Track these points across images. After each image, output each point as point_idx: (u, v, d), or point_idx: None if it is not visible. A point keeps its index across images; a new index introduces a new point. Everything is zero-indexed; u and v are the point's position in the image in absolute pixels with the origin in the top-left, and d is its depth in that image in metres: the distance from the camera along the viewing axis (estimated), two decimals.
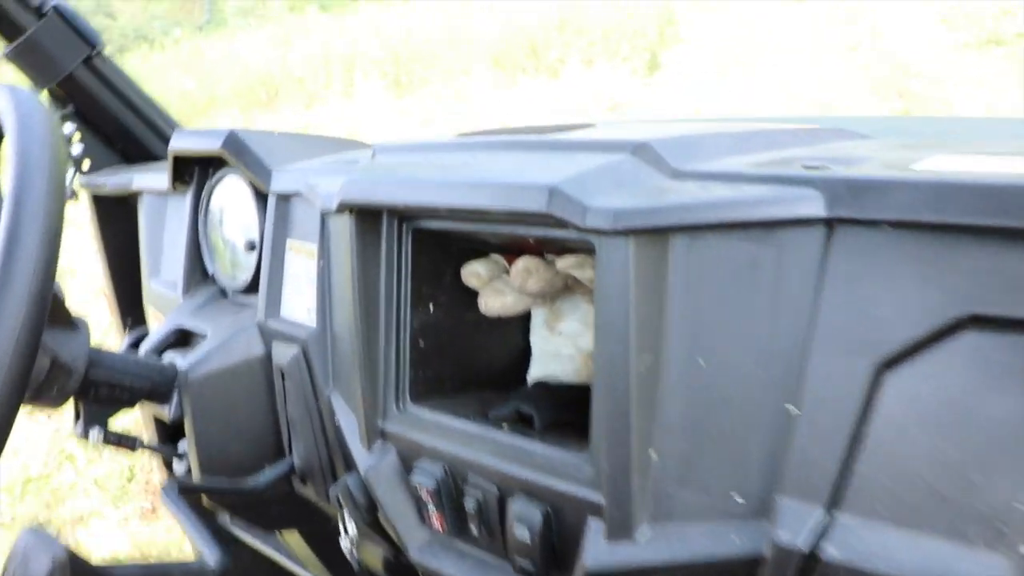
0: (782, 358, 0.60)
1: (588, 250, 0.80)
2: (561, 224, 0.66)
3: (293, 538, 1.31)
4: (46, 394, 0.91)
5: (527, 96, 5.78)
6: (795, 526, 0.59)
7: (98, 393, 0.97)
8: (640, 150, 0.68)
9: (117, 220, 1.46)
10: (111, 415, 1.04)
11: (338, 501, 0.94)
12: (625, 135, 0.71)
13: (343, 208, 0.82)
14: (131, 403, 1.03)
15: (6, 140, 0.79)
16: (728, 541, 0.64)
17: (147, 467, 3.11)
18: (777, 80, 4.94)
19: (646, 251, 0.62)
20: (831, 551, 0.58)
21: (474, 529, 0.81)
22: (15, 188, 0.74)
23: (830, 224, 0.57)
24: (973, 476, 0.53)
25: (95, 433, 1.02)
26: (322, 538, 1.26)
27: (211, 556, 0.77)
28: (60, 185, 0.77)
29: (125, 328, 1.52)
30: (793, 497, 0.60)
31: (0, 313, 0.68)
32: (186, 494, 0.92)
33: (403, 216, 0.83)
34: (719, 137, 0.71)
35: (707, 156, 0.68)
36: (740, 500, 0.63)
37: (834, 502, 0.59)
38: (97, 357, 0.95)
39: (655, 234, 0.61)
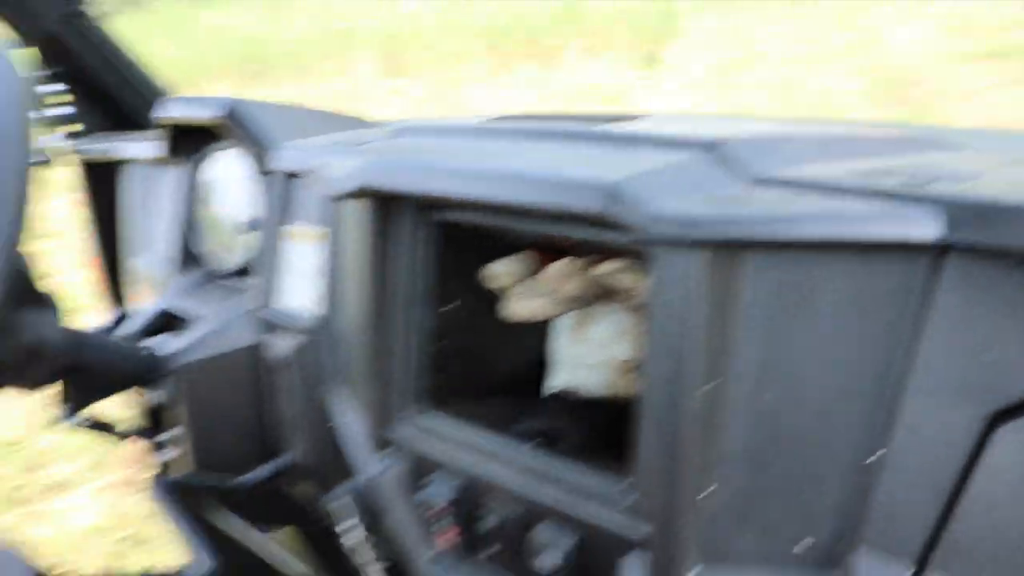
0: (871, 396, 0.53)
1: (633, 255, 0.72)
2: (616, 229, 0.58)
3: (290, 536, 1.24)
4: (18, 378, 0.84)
5: (523, 83, 5.69)
6: None
7: (80, 377, 0.91)
8: (713, 149, 0.60)
9: (108, 189, 1.37)
10: (93, 401, 0.96)
11: (339, 509, 0.87)
12: (691, 131, 0.63)
13: (361, 193, 0.74)
14: (112, 390, 0.96)
15: None
16: None
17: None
18: (775, 80, 4.89)
19: (716, 266, 0.55)
20: None
21: (493, 549, 0.74)
22: None
23: (943, 250, 0.50)
24: None
25: (77, 418, 0.94)
26: (319, 535, 1.19)
27: (202, 557, 0.70)
28: (23, 150, 0.69)
29: (116, 302, 1.43)
30: (873, 551, 0.53)
31: None
32: (180, 490, 0.85)
33: (428, 205, 0.75)
34: (803, 140, 0.63)
35: (791, 161, 0.60)
36: (808, 550, 0.56)
37: (922, 562, 0.52)
38: (75, 340, 0.87)
39: (730, 248, 0.54)
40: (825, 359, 0.54)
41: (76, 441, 2.96)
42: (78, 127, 1.36)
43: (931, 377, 0.50)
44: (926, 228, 0.49)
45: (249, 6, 8.17)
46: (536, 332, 0.90)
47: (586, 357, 0.85)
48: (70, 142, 1.35)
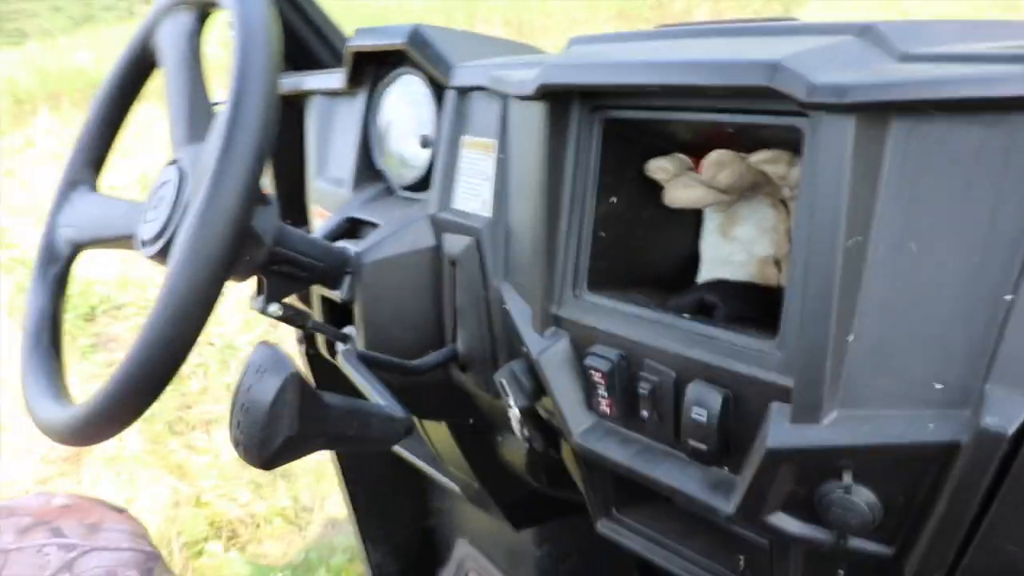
0: (1003, 246, 0.60)
1: (785, 145, 0.80)
2: (776, 103, 0.66)
3: (435, 432, 1.37)
4: (238, 265, 0.97)
5: None
6: (1003, 413, 0.59)
7: (280, 268, 1.02)
8: (865, 32, 0.67)
9: (285, 121, 1.52)
10: (288, 294, 1.09)
11: (502, 387, 0.98)
12: (844, 22, 0.71)
13: (542, 92, 0.84)
14: (307, 283, 1.08)
15: (231, 12, 0.84)
16: (923, 427, 0.64)
17: None
18: None
19: (866, 132, 0.62)
20: None
21: (645, 413, 0.83)
22: (240, 60, 0.79)
23: None
24: None
25: (274, 307, 1.07)
26: (467, 432, 1.31)
27: (395, 406, 0.82)
28: (278, 59, 0.82)
29: (300, 221, 1.59)
30: (1003, 385, 0.60)
31: (222, 181, 0.73)
32: (363, 362, 0.97)
33: (596, 104, 0.85)
34: (948, 24, 0.70)
35: (937, 40, 0.66)
36: (941, 388, 0.63)
37: None
38: (282, 233, 1.00)
39: (880, 111, 0.61)
40: (961, 216, 0.61)
41: (226, 379, 3.24)
42: None
43: None
44: None
45: None
46: (687, 231, 0.98)
47: (732, 255, 0.93)
48: None
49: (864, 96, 0.60)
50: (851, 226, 0.64)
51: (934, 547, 0.67)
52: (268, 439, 0.64)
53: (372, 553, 1.93)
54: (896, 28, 0.67)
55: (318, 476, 2.80)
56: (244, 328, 3.63)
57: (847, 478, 0.69)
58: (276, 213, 0.97)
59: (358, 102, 1.27)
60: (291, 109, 1.51)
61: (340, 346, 1.19)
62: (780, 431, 0.70)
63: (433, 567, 2.02)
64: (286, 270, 1.04)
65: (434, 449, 1.43)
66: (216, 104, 1.28)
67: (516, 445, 1.23)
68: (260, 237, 0.95)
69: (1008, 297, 0.59)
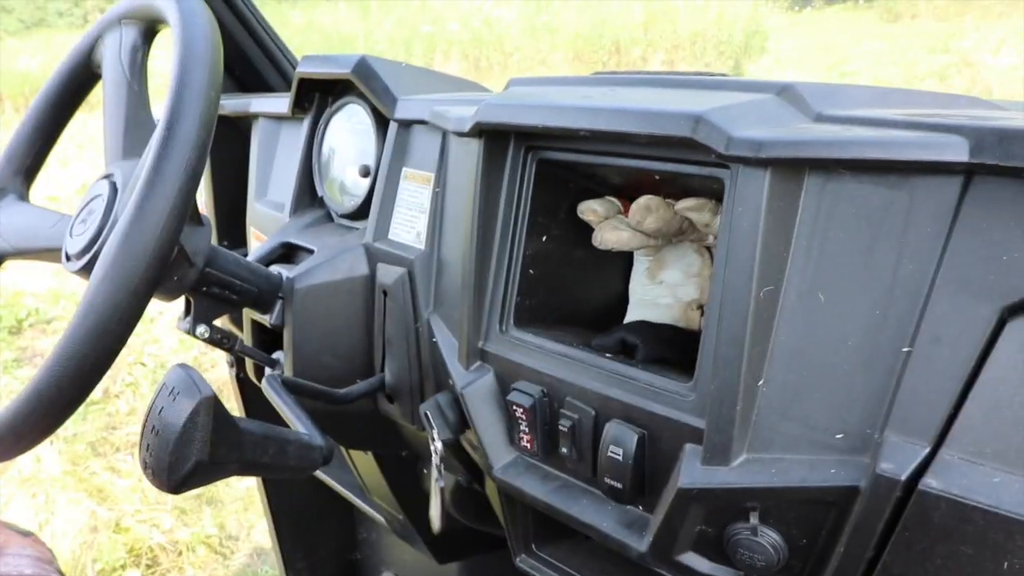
0: (902, 299, 0.63)
1: (710, 194, 0.83)
2: (698, 154, 0.69)
3: (362, 461, 1.36)
4: (166, 284, 0.96)
5: None
6: (898, 459, 0.61)
7: (210, 290, 1.01)
8: (784, 92, 0.71)
9: (228, 142, 1.52)
10: (217, 316, 1.08)
11: (426, 418, 0.98)
12: (766, 81, 0.74)
13: (476, 129, 0.86)
14: (238, 305, 1.07)
15: (173, 30, 0.84)
16: (825, 472, 0.66)
17: None
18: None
19: (781, 184, 0.65)
20: (931, 483, 0.60)
21: (565, 450, 0.85)
22: (179, 77, 0.79)
23: (969, 172, 0.59)
24: None
25: (201, 328, 1.06)
26: (393, 462, 1.31)
27: (314, 433, 0.81)
28: (218, 78, 0.82)
29: (237, 241, 1.58)
30: (898, 433, 0.62)
31: (152, 196, 0.73)
32: (287, 389, 0.96)
33: (530, 144, 0.87)
34: (862, 89, 0.73)
35: (850, 104, 0.70)
36: (842, 435, 0.66)
37: (940, 440, 0.61)
38: (215, 255, 1.00)
39: (793, 167, 0.64)
40: (866, 268, 0.64)
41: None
42: None
43: (954, 280, 0.60)
44: (955, 152, 0.58)
45: (336, 6, 8.49)
46: (617, 272, 1.00)
47: (658, 297, 0.96)
48: None
49: (778, 152, 0.63)
50: (764, 275, 0.66)
51: None
52: (177, 463, 0.63)
53: None
54: (813, 89, 0.70)
55: (246, 503, 2.75)
56: (180, 348, 3.56)
57: (754, 519, 0.71)
58: (210, 234, 0.96)
59: (303, 128, 1.28)
60: (236, 130, 1.52)
61: (267, 371, 1.18)
62: (692, 471, 0.72)
63: None
64: (216, 292, 1.03)
65: (360, 479, 1.42)
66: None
67: (445, 476, 1.23)
68: (190, 257, 0.94)
69: (906, 349, 0.62)
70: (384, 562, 1.90)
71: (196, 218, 0.94)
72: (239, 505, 2.75)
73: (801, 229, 0.66)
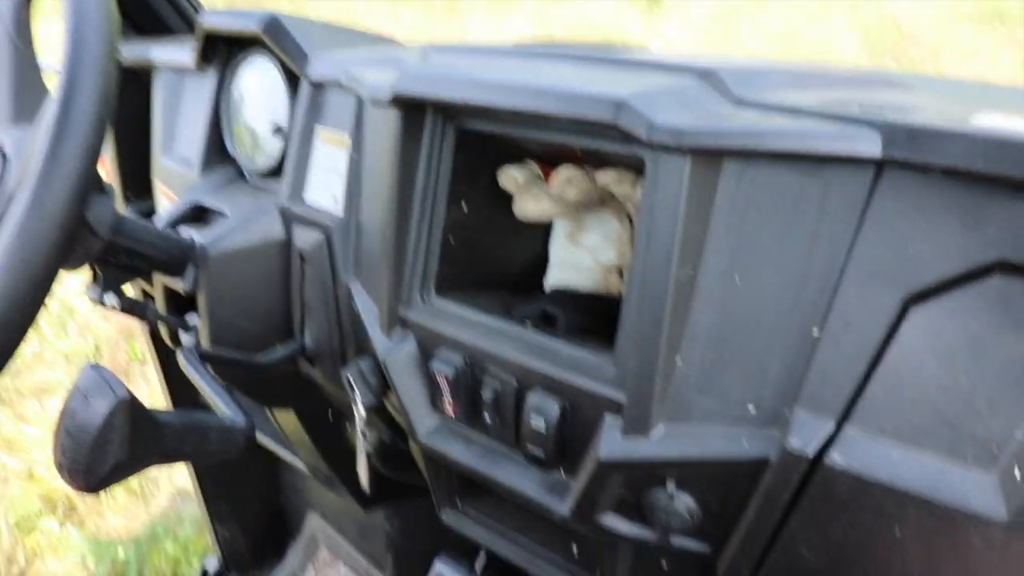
0: (813, 284, 0.65)
1: (630, 166, 0.83)
2: (621, 137, 0.69)
3: (283, 416, 1.36)
4: (70, 257, 0.92)
5: (525, 17, 5.69)
6: (805, 435, 0.65)
7: (117, 259, 0.98)
8: (706, 76, 0.71)
9: (128, 91, 1.44)
10: (125, 282, 1.05)
11: (348, 382, 0.98)
12: (688, 61, 0.74)
13: (395, 101, 0.83)
14: (147, 272, 1.04)
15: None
16: (739, 444, 0.69)
17: (113, 345, 3.12)
18: (775, 30, 4.94)
19: (700, 171, 0.66)
20: (835, 458, 0.63)
21: (488, 418, 0.86)
22: (72, 45, 0.74)
23: (880, 165, 0.61)
24: (979, 405, 0.59)
25: (110, 297, 1.03)
26: (316, 419, 1.31)
27: (236, 413, 0.80)
28: (114, 44, 0.77)
29: (127, 201, 1.51)
30: (806, 410, 0.66)
31: (54, 171, 0.69)
32: (204, 361, 0.94)
33: (448, 115, 0.85)
34: (781, 72, 0.74)
35: (769, 88, 0.71)
36: (754, 410, 0.69)
37: (845, 417, 0.64)
38: (120, 223, 0.96)
39: (712, 156, 0.65)
40: (780, 254, 0.66)
41: (63, 346, 3.07)
42: None
43: (863, 268, 0.62)
44: (868, 146, 0.60)
45: None
46: (535, 237, 1.01)
47: (580, 260, 0.96)
48: None
49: (699, 141, 0.64)
50: (683, 258, 0.68)
51: (744, 548, 0.73)
52: (95, 465, 0.62)
53: (219, 530, 1.90)
54: (734, 74, 0.71)
55: None
56: (82, 289, 3.43)
57: (670, 486, 0.74)
58: (114, 202, 0.92)
59: (208, 80, 1.22)
60: (136, 80, 1.44)
61: (184, 342, 1.16)
62: (612, 443, 0.75)
63: (284, 542, 2.01)
64: (124, 260, 0.99)
65: (283, 434, 1.42)
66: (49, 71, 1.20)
67: (369, 435, 1.24)
68: (95, 229, 0.90)
69: (815, 332, 0.65)
70: (309, 505, 1.91)
71: (99, 186, 0.90)
72: None
73: (719, 214, 0.67)
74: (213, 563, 1.94)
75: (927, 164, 0.58)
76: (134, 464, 0.65)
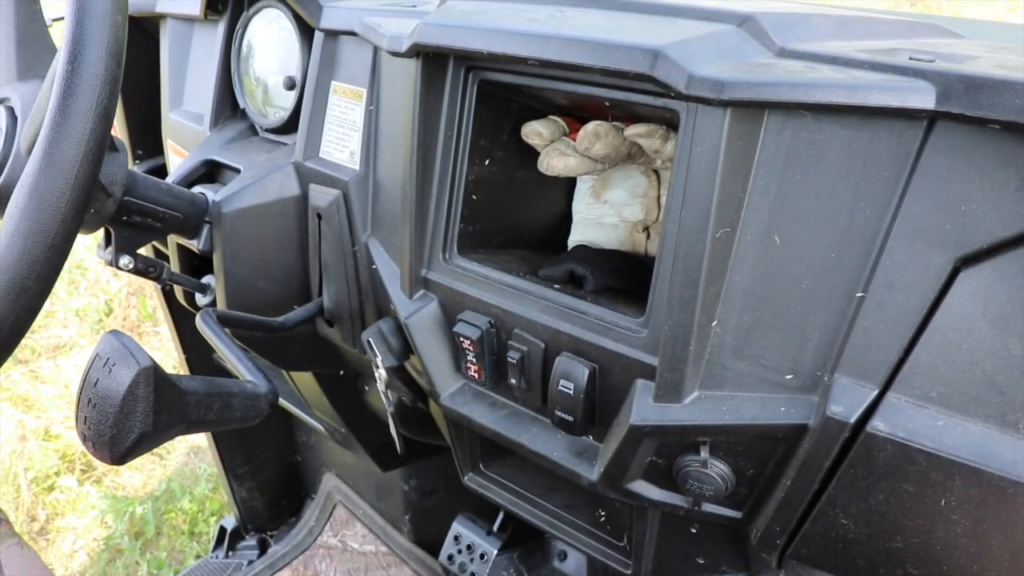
0: (858, 244, 0.62)
1: (661, 119, 0.80)
2: (656, 88, 0.65)
3: (301, 377, 1.34)
4: (86, 215, 0.89)
5: None
6: (847, 401, 0.63)
7: (131, 219, 0.95)
8: (746, 23, 0.67)
9: (135, 44, 1.40)
10: (141, 245, 1.02)
11: (369, 345, 0.96)
12: (726, 8, 0.70)
13: (414, 51, 0.80)
14: (162, 233, 1.01)
15: None
16: (776, 410, 0.67)
17: (124, 303, 3.11)
18: None
19: (740, 125, 0.62)
20: (878, 425, 0.61)
21: (514, 381, 0.84)
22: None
23: (932, 119, 0.58)
24: None
25: (125, 259, 1.00)
26: (334, 381, 1.30)
27: (258, 377, 0.78)
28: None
29: (136, 159, 1.48)
30: (848, 375, 0.63)
31: (65, 132, 0.66)
32: (222, 324, 0.92)
33: (471, 65, 0.82)
34: (823, 19, 0.70)
35: (812, 37, 0.67)
36: (793, 375, 0.66)
37: (889, 383, 0.62)
38: (133, 182, 0.93)
39: (753, 108, 0.62)
40: (822, 212, 0.63)
41: (76, 303, 3.06)
42: None
43: (911, 227, 0.59)
44: (921, 98, 0.57)
45: None
46: (560, 192, 0.98)
47: (603, 217, 0.93)
48: None
49: (739, 94, 0.60)
50: (721, 217, 0.65)
51: (778, 515, 0.72)
52: (120, 435, 0.60)
53: (236, 489, 1.90)
54: (775, 21, 0.67)
55: None
56: (92, 244, 3.41)
57: (704, 453, 0.72)
58: (126, 160, 0.90)
59: (218, 32, 1.18)
60: (142, 31, 1.40)
61: (201, 304, 1.14)
62: (644, 408, 0.72)
63: (300, 500, 2.02)
64: (137, 220, 0.96)
65: (300, 394, 1.41)
66: (57, 20, 1.16)
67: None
68: (107, 188, 0.88)
69: (859, 294, 0.62)
70: (325, 463, 1.91)
71: (110, 144, 0.87)
72: None
73: (759, 170, 0.64)
74: (231, 522, 1.95)
75: (985, 118, 0.55)
76: (159, 434, 0.63)
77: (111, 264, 1.01)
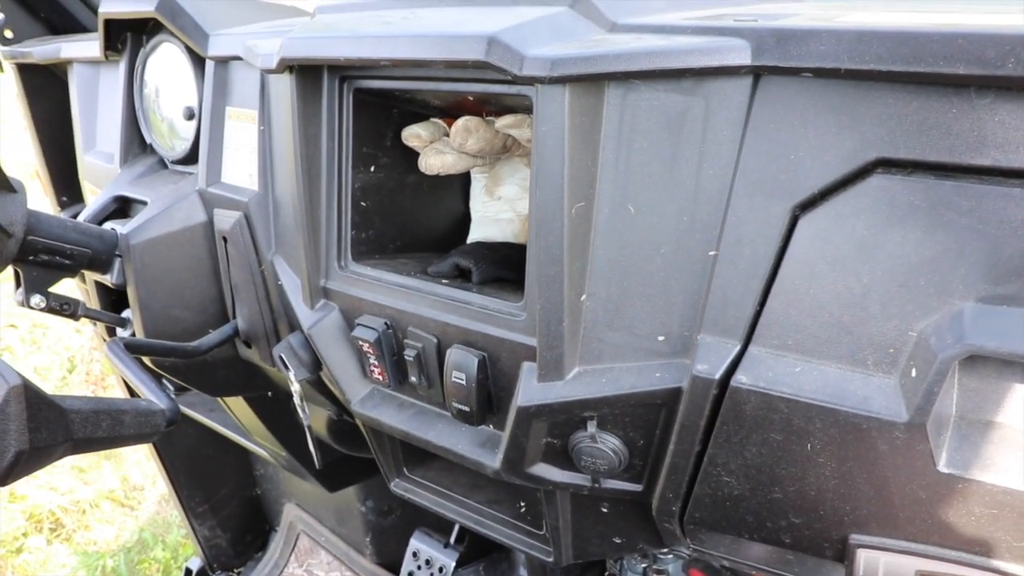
0: (707, 205, 0.64)
1: (527, 109, 0.82)
2: (499, 74, 0.67)
3: (237, 405, 1.34)
4: None
5: None
6: (712, 360, 0.64)
7: (38, 258, 0.96)
8: (579, 3, 0.69)
9: (48, 92, 1.42)
10: (53, 283, 1.03)
11: (282, 361, 0.97)
12: None
13: (283, 66, 0.82)
14: (72, 270, 1.02)
15: None
16: (651, 377, 0.68)
17: (88, 358, 3.09)
18: None
19: (582, 100, 0.64)
20: (741, 379, 0.62)
21: (414, 379, 0.85)
22: None
23: (756, 75, 0.60)
24: (873, 308, 0.58)
25: (36, 298, 1.01)
26: (266, 404, 1.30)
27: (161, 397, 0.79)
28: None
29: (61, 207, 1.49)
30: (711, 333, 0.65)
31: None
32: (132, 352, 0.92)
33: (344, 75, 0.84)
34: None
35: (644, 10, 0.69)
36: (664, 340, 0.68)
37: (749, 337, 0.63)
38: (36, 221, 0.94)
39: (590, 82, 0.63)
40: (670, 176, 0.64)
41: (36, 361, 3.04)
42: (8, 34, 1.40)
43: (749, 181, 0.61)
44: (739, 55, 0.59)
45: None
46: (460, 194, 0.99)
47: (499, 213, 0.95)
48: (4, 50, 1.39)
49: (572, 69, 0.62)
50: (575, 192, 0.66)
51: (670, 481, 0.73)
52: None
53: (199, 528, 1.89)
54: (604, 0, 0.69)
55: (148, 452, 2.69)
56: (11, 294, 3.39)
57: (591, 427, 0.74)
58: (24, 200, 0.91)
59: (120, 71, 1.20)
60: (54, 78, 1.41)
61: (117, 332, 1.14)
62: (529, 389, 0.74)
63: (265, 533, 2.01)
64: (44, 259, 0.97)
65: (239, 421, 1.41)
66: None
67: (316, 413, 1.23)
68: (7, 229, 0.89)
69: (712, 253, 0.64)
70: (284, 494, 1.91)
71: (6, 185, 0.88)
72: (141, 454, 2.69)
73: (606, 143, 0.66)
74: (196, 563, 1.94)
75: (796, 67, 0.57)
76: (41, 452, 0.63)
77: (23, 304, 1.01)
